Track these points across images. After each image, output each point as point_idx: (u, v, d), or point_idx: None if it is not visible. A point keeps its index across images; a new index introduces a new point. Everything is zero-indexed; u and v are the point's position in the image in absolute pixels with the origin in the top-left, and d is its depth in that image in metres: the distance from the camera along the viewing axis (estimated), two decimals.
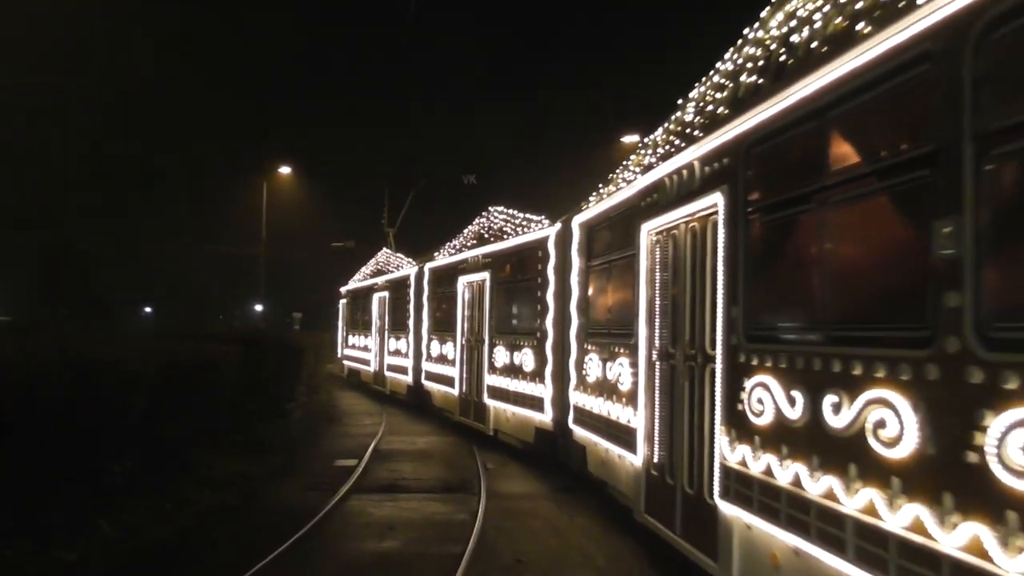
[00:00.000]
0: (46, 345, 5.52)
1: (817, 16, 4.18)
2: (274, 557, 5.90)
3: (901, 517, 3.05)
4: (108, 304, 53.23)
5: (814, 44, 4.08)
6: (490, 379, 11.16)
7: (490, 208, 12.34)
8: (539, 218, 10.34)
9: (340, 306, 24.50)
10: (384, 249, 20.59)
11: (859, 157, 3.66)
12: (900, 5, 3.28)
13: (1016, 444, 2.52)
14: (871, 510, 3.22)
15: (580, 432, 8.14)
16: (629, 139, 36.55)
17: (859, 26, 3.58)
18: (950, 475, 2.83)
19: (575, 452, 8.50)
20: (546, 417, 9.37)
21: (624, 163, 7.74)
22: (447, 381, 13.26)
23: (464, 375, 12.53)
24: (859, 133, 3.69)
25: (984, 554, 2.64)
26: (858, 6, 3.68)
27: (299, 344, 12.49)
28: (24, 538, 4.94)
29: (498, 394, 10.85)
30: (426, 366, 14.40)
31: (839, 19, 3.88)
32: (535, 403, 9.62)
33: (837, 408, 3.49)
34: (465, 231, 13.59)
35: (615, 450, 6.93)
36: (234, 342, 9.63)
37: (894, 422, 3.11)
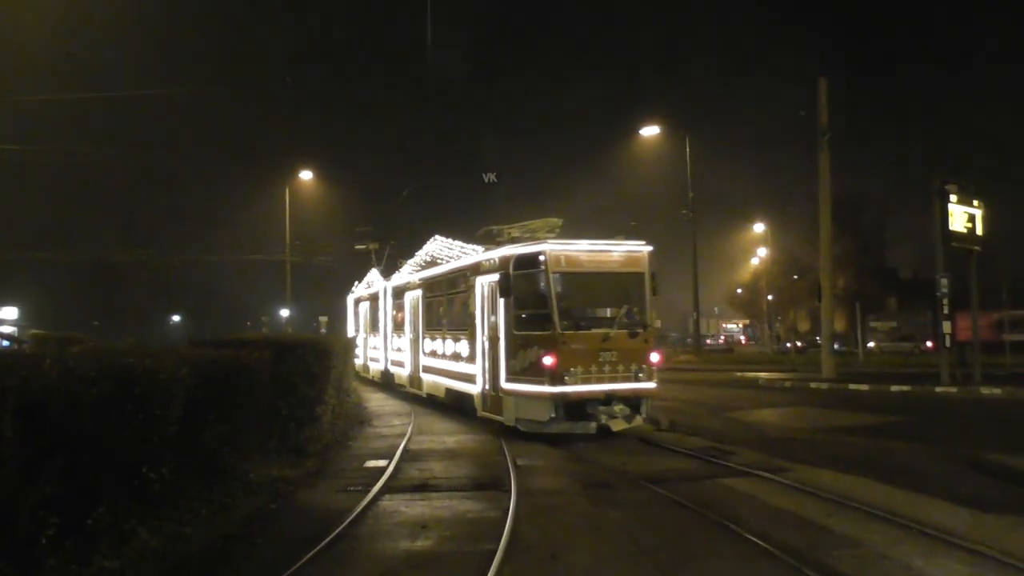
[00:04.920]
0: (85, 355, 5.62)
1: (445, 252, 16.57)
2: (310, 558, 5.98)
3: (451, 365, 15.32)
4: (138, 313, 53.99)
5: (438, 259, 17.05)
6: (371, 352, 24.46)
7: (372, 269, 25.48)
8: (380, 278, 23.14)
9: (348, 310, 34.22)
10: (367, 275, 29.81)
11: (442, 292, 16.27)
12: (453, 254, 15.91)
13: (450, 349, 15.37)
14: (445, 367, 15.77)
15: (392, 368, 21.18)
16: (647, 131, 36.50)
17: (444, 259, 16.49)
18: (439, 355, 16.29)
19: (389, 378, 21.54)
20: (380, 366, 22.54)
21: (410, 261, 19.82)
22: (376, 360, 24.73)
23: (362, 350, 25.89)
24: (443, 288, 16.15)
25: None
26: (443, 252, 16.66)
27: (328, 348, 12.59)
28: (67, 547, 5.04)
29: (373, 358, 24.15)
30: (368, 350, 26.33)
31: (436, 256, 17.32)
32: (378, 360, 23.02)
33: (443, 344, 15.85)
34: (365, 278, 26.83)
35: (401, 371, 19.78)
36: (265, 347, 9.72)
37: (455, 346, 15.00)
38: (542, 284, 11.75)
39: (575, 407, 11.62)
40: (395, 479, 9.18)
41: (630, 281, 12.33)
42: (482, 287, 13.46)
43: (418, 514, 7.45)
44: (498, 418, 12.74)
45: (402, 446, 11.47)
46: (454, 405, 15.64)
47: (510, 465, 9.78)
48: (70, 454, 5.08)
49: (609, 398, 11.66)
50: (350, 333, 28.19)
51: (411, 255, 20.06)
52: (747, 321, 76.53)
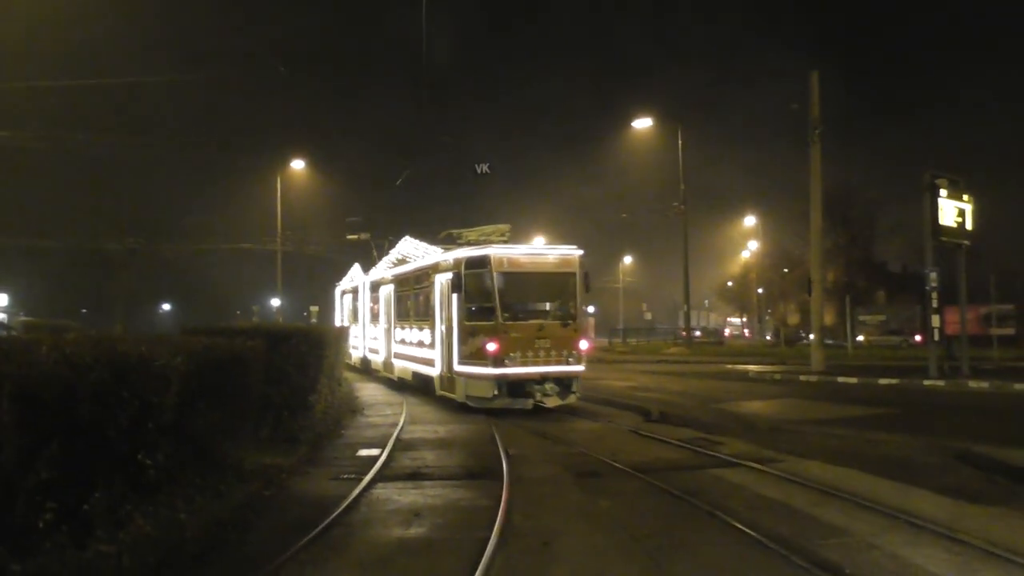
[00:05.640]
0: (81, 343, 5.64)
1: (413, 251, 18.69)
2: (304, 544, 6.04)
3: (416, 351, 17.38)
4: (127, 301, 53.67)
5: (407, 257, 19.04)
6: (352, 340, 25.62)
7: (355, 264, 27.51)
8: (361, 272, 25.68)
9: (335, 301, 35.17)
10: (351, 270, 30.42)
11: (409, 287, 18.26)
12: (419, 254, 17.93)
13: (415, 337, 17.66)
14: (411, 353, 17.82)
15: (368, 356, 23.46)
16: (640, 124, 36.52)
17: (412, 257, 18.44)
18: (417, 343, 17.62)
19: (367, 364, 23.56)
20: (360, 353, 24.85)
21: (386, 258, 22.06)
22: (355, 347, 26.59)
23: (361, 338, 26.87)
24: (410, 284, 18.10)
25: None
26: (412, 252, 18.73)
27: (321, 337, 12.62)
28: (63, 531, 5.08)
29: (353, 346, 25.84)
30: (350, 338, 27.17)
31: (405, 255, 19.28)
32: (357, 348, 25.34)
33: (409, 333, 17.97)
34: (349, 272, 28.40)
35: (376, 357, 22.07)
36: (258, 336, 9.75)
37: (419, 335, 17.06)
38: (488, 282, 13.82)
39: (515, 386, 13.78)
40: (388, 467, 9.24)
41: (563, 280, 14.47)
42: (440, 284, 15.28)
43: (411, 502, 7.51)
44: (452, 396, 14.87)
45: (394, 435, 11.53)
46: (419, 387, 17.63)
47: (502, 454, 9.86)
48: (67, 440, 5.11)
49: (544, 379, 13.87)
50: (336, 322, 29.44)
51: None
52: (748, 315, 76.66)
